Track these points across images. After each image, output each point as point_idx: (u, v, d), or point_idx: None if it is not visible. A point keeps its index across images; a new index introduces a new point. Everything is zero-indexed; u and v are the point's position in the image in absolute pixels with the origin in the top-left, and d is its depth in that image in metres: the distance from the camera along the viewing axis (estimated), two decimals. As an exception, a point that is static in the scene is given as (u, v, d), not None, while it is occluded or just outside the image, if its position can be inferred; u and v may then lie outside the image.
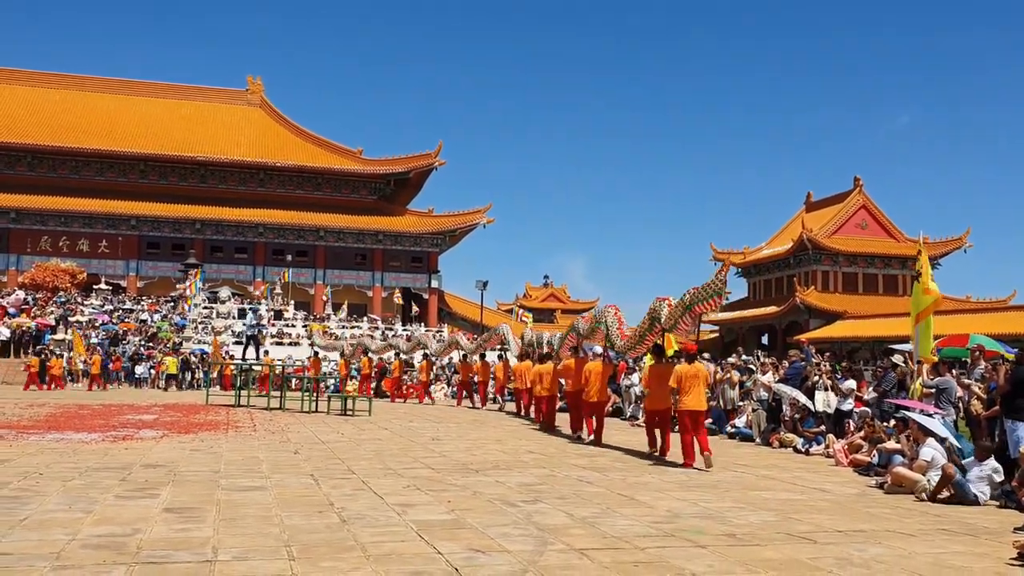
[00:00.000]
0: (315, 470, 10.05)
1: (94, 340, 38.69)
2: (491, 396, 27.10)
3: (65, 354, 36.04)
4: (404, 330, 48.93)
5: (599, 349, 18.46)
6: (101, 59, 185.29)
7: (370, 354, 31.30)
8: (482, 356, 25.68)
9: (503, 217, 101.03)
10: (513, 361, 24.14)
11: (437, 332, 46.94)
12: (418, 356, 31.90)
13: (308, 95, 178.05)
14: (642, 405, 17.11)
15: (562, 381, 17.76)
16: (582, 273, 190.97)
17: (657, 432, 12.72)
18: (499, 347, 26.75)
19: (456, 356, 30.62)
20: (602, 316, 15.80)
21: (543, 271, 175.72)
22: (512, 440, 14.78)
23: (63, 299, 46.63)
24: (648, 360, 16.45)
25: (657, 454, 12.51)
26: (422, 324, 57.34)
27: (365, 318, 54.97)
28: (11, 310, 42.57)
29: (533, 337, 22.74)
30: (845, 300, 59.75)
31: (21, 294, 46.49)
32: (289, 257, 59.97)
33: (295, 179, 65.42)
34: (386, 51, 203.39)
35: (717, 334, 70.89)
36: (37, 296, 46.69)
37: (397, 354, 30.61)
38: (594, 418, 14.61)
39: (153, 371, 36.03)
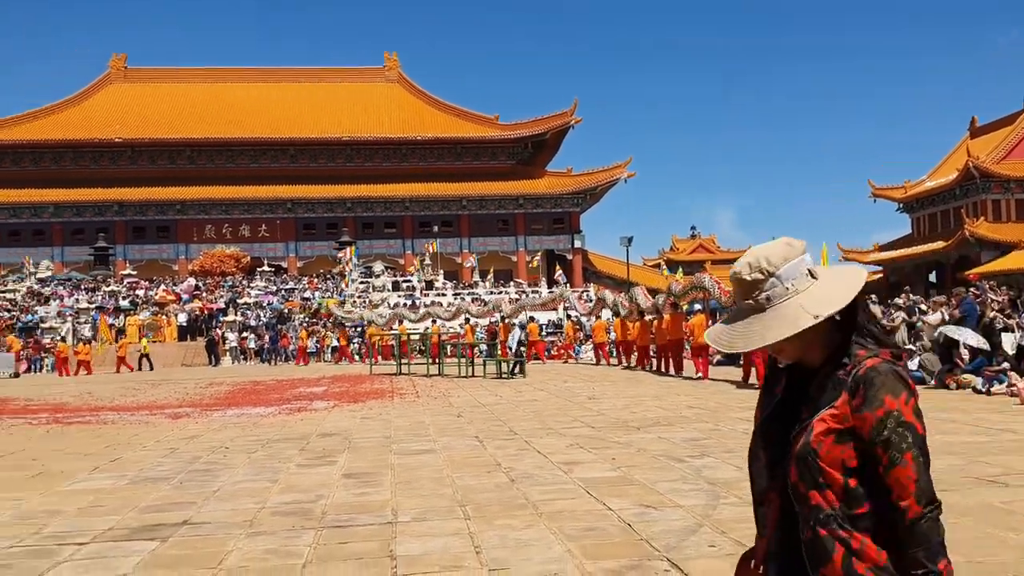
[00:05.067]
0: (479, 432, 10.27)
1: (263, 320, 40.90)
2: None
3: (232, 335, 38.28)
4: (549, 292, 49.18)
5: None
6: (247, 50, 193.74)
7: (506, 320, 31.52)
8: (640, 314, 25.44)
9: (644, 170, 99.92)
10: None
11: (583, 292, 46.94)
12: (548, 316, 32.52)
13: (442, 66, 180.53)
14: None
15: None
16: (731, 221, 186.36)
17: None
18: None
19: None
20: (699, 281, 19.51)
21: (689, 222, 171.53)
22: (670, 396, 14.64)
23: (230, 283, 49.50)
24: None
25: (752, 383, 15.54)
26: (568, 285, 57.48)
27: (512, 283, 55.59)
28: (184, 296, 45.54)
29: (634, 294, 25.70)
30: (1020, 229, 55.63)
31: (192, 281, 49.62)
32: (435, 228, 61.27)
33: (436, 151, 66.57)
34: (512, 14, 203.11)
35: (881, 275, 67.73)
36: (207, 281, 49.76)
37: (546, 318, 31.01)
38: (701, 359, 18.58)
39: (319, 345, 37.81)
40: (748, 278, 1.89)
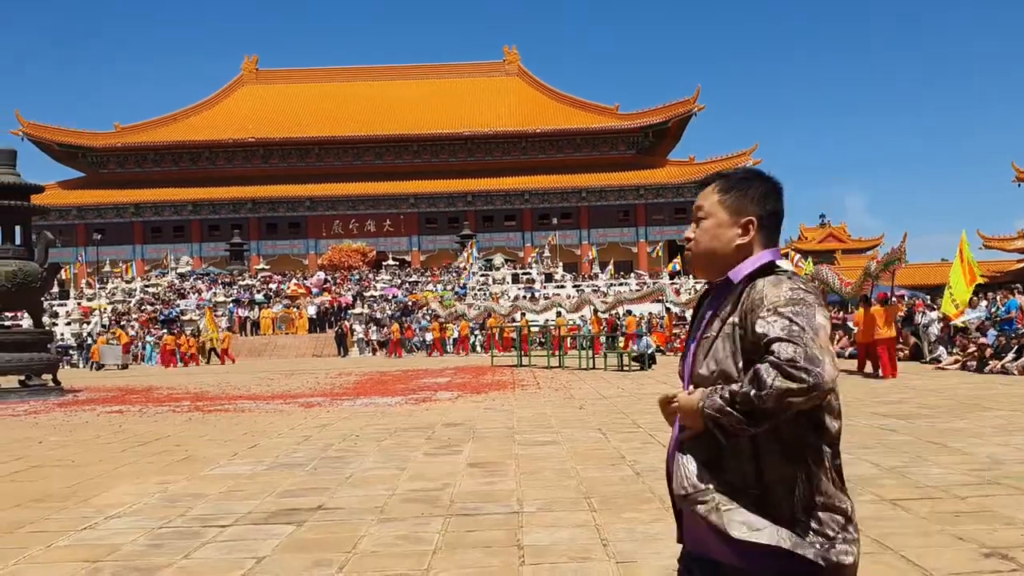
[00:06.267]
0: (601, 424, 10.22)
1: (388, 313, 41.94)
2: None
3: (359, 326, 39.40)
4: (651, 284, 48.51)
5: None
6: (370, 49, 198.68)
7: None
8: None
9: (770, 157, 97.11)
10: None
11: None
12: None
13: (561, 58, 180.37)
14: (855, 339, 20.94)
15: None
16: (862, 208, 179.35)
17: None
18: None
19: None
20: (819, 275, 20.53)
21: (818, 210, 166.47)
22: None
23: (357, 277, 50.97)
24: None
25: (878, 375, 15.61)
26: (690, 276, 56.50)
27: (632, 274, 55.09)
28: (314, 290, 47.18)
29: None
30: None
31: (321, 275, 51.33)
32: (555, 220, 61.34)
33: (555, 143, 66.66)
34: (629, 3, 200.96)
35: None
36: (335, 275, 51.38)
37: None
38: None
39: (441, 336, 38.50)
40: None
